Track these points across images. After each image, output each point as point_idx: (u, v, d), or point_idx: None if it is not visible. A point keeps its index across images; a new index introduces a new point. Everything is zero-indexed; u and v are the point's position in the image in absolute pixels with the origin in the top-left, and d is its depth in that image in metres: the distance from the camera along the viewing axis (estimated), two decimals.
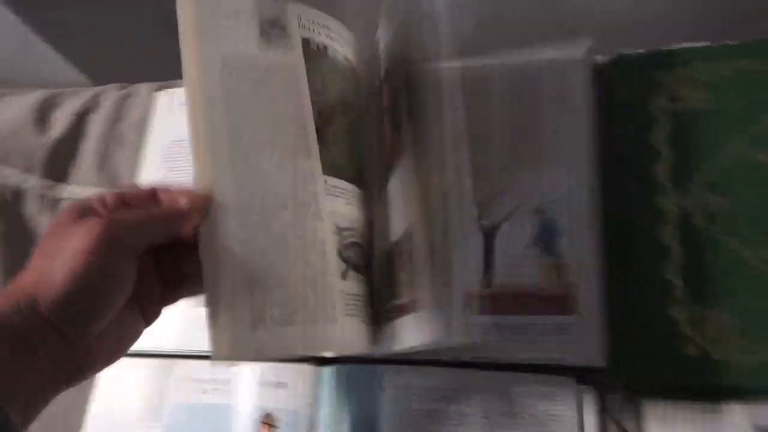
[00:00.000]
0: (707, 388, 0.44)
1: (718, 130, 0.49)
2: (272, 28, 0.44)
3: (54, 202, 0.65)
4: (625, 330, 0.46)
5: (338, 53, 0.47)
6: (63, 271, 0.34)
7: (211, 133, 0.41)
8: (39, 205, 0.65)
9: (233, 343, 0.39)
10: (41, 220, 0.65)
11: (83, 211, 0.37)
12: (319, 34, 0.46)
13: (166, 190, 0.41)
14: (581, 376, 0.47)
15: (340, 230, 0.43)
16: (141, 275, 0.37)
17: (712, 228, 0.47)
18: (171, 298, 0.42)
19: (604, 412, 0.46)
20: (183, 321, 0.55)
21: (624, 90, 0.52)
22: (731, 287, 0.45)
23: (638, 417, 0.45)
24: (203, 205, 0.40)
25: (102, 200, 0.39)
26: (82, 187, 0.66)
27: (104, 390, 0.56)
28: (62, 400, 0.37)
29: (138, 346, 0.55)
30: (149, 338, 0.54)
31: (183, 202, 0.39)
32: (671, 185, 0.48)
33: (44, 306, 0.34)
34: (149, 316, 0.41)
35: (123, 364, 0.54)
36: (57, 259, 0.34)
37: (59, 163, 0.67)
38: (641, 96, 0.51)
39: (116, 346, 0.39)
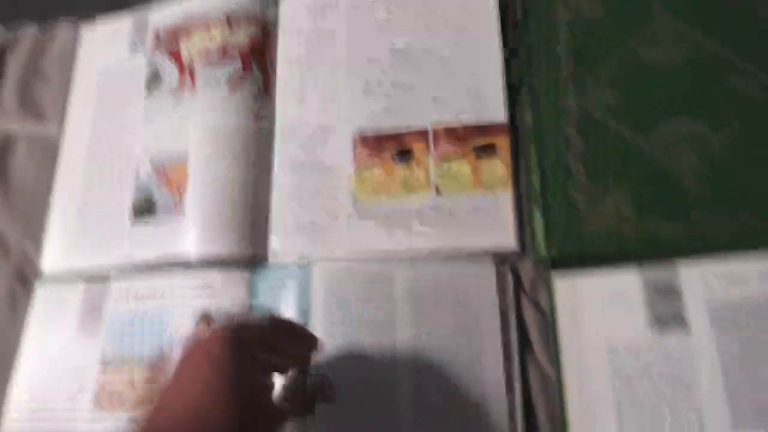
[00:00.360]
0: (606, 258, 0.49)
1: (610, 36, 0.54)
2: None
3: None
4: (534, 213, 0.51)
5: None
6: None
7: None
8: None
9: None
10: None
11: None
12: None
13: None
14: (496, 256, 0.51)
15: None
16: None
17: (607, 120, 0.52)
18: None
19: (519, 289, 0.51)
20: (124, 239, 0.56)
21: (531, 3, 0.57)
22: (625, 170, 0.50)
23: (549, 290, 0.50)
24: None
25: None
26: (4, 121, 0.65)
27: (42, 309, 0.56)
28: None
29: (78, 264, 0.56)
30: (90, 257, 0.56)
31: None
32: (572, 86, 0.54)
33: None
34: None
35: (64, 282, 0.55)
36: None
37: None
38: (544, 8, 0.56)
39: None
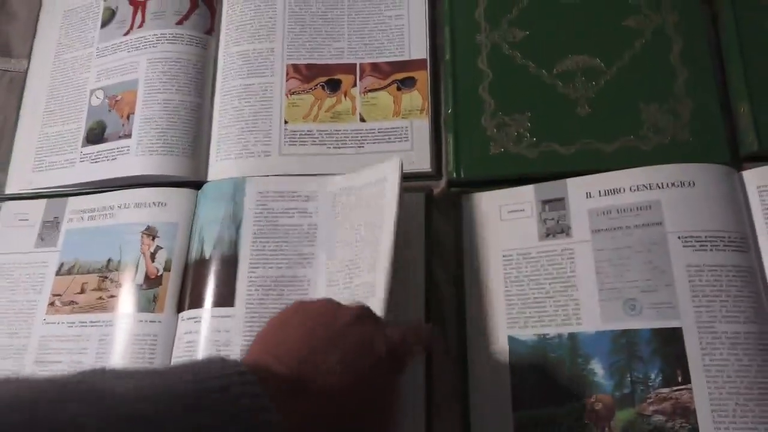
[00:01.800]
0: (507, 177, 0.54)
1: None
2: None
3: None
4: (448, 139, 0.57)
5: None
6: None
7: None
8: None
9: None
10: None
11: None
12: None
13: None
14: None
15: None
16: None
17: (514, 55, 0.57)
18: None
19: (431, 206, 0.56)
20: (78, 162, 0.61)
21: None
22: (528, 100, 0.56)
23: (457, 208, 0.55)
24: None
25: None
26: None
27: (6, 226, 0.62)
28: None
29: (38, 184, 0.62)
30: (49, 178, 0.61)
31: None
32: (486, 25, 0.59)
33: None
34: None
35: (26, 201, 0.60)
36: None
37: None
38: None
39: None
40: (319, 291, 0.52)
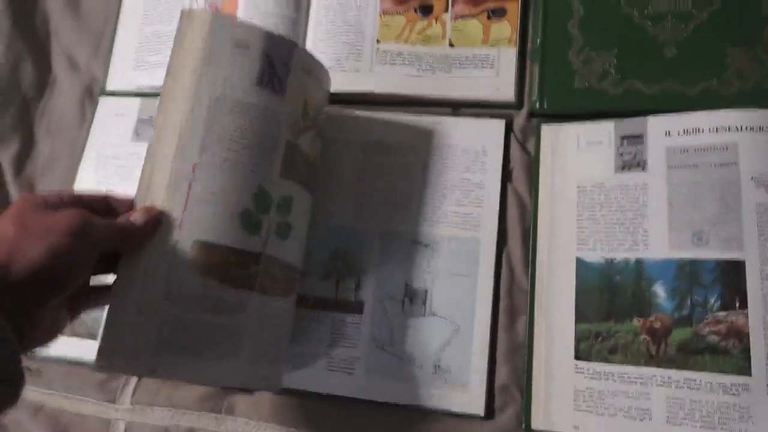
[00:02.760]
0: (589, 113, 0.57)
1: None
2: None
3: None
4: (533, 70, 0.59)
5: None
6: (43, 246, 0.36)
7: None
8: None
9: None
10: None
11: (49, 203, 0.40)
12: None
13: (118, 201, 0.44)
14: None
15: None
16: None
17: None
18: (93, 304, 0.45)
19: (509, 133, 0.59)
20: None
21: None
22: (616, 37, 0.58)
23: (537, 137, 0.58)
24: (156, 224, 0.44)
25: (61, 197, 0.41)
26: None
27: (104, 119, 0.66)
28: None
29: (136, 83, 0.64)
30: (146, 77, 0.63)
31: (140, 221, 0.43)
32: None
33: (16, 274, 0.35)
34: (73, 314, 0.43)
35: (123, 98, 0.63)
36: (35, 236, 0.37)
37: None
38: None
39: (46, 334, 0.41)
40: None
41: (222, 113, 0.46)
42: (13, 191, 0.66)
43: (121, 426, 0.55)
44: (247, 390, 0.54)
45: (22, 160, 0.67)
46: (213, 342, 0.45)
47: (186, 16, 0.48)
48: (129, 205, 0.45)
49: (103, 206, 0.44)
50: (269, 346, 0.49)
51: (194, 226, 0.44)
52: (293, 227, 0.50)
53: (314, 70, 0.53)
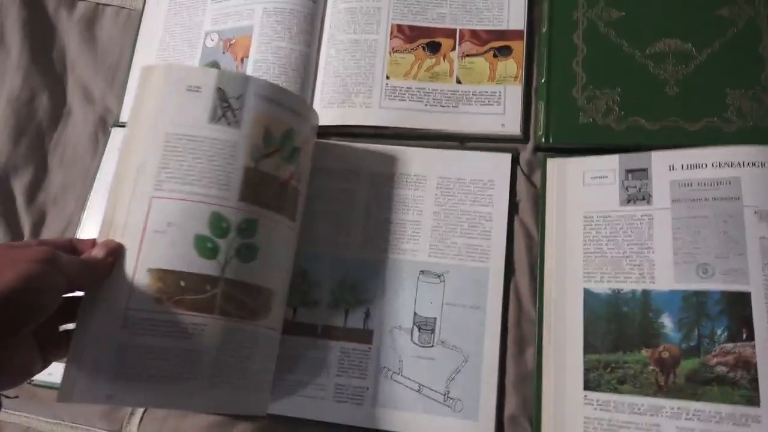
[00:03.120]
0: (594, 146, 0.59)
1: None
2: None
3: None
4: (539, 106, 0.61)
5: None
6: (13, 272, 0.38)
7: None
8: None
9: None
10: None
11: (15, 245, 0.42)
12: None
13: (81, 241, 0.48)
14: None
15: None
16: (48, 318, 0.41)
17: (609, 33, 0.61)
18: (65, 350, 0.45)
19: (516, 167, 0.61)
20: None
21: None
22: (619, 76, 0.60)
23: (543, 170, 0.60)
24: (115, 256, 0.46)
25: (27, 243, 0.45)
26: None
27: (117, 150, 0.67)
28: None
29: None
30: None
31: (100, 255, 0.45)
32: (584, 2, 0.63)
33: None
34: (46, 358, 0.45)
35: None
36: (5, 265, 0.38)
37: None
38: None
39: (18, 372, 0.42)
40: None
41: (176, 150, 0.49)
42: (25, 219, 0.67)
43: None
44: (254, 418, 0.54)
45: (34, 189, 0.68)
46: (169, 366, 0.46)
47: (145, 70, 0.53)
48: (92, 245, 0.47)
49: (68, 248, 0.46)
50: (237, 370, 0.48)
51: (150, 256, 0.47)
52: (260, 249, 0.51)
53: (277, 97, 0.54)
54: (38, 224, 0.67)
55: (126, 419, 0.56)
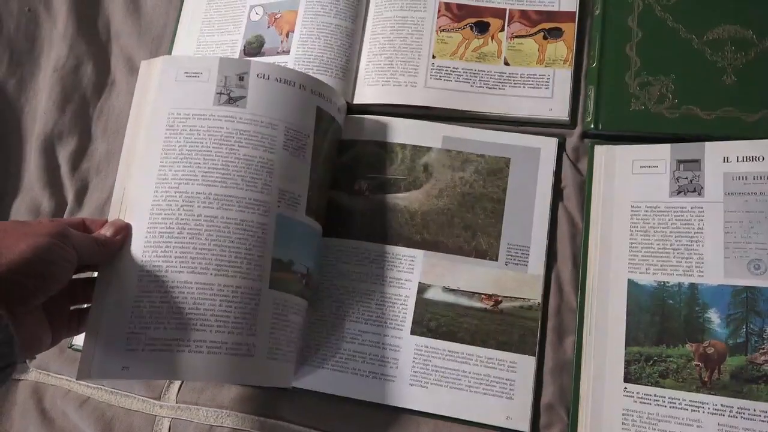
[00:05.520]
0: (644, 135, 0.57)
1: None
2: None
3: None
4: (589, 91, 0.59)
5: None
6: (26, 244, 0.39)
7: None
8: None
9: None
10: None
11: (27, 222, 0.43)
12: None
13: (93, 221, 0.49)
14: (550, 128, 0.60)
15: None
16: (59, 296, 0.43)
17: (666, 17, 0.59)
18: (75, 327, 0.47)
19: (562, 152, 0.59)
20: None
21: None
22: (674, 62, 0.58)
23: (590, 157, 0.58)
24: (125, 234, 0.48)
25: (39, 221, 0.45)
26: None
27: None
28: None
29: None
30: None
31: (110, 232, 0.47)
32: None
33: (2, 265, 0.38)
34: (55, 334, 0.45)
35: None
36: (17, 236, 0.39)
37: None
38: None
39: (27, 345, 0.43)
40: None
41: (176, 132, 0.50)
42: (68, 188, 0.68)
43: (166, 423, 0.55)
44: (285, 390, 0.54)
45: (78, 158, 0.69)
46: (182, 336, 0.46)
47: (145, 64, 0.54)
48: (102, 225, 0.48)
49: (81, 228, 0.48)
50: (251, 337, 0.48)
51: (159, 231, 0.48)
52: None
53: (284, 76, 0.54)
54: (81, 193, 0.68)
55: (165, 387, 0.57)
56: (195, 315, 0.47)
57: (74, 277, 0.44)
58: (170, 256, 0.48)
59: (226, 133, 0.51)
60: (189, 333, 0.46)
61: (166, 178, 0.50)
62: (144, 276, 0.47)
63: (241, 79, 0.53)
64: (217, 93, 0.52)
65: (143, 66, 0.54)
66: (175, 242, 0.48)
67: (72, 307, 0.48)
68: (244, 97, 0.52)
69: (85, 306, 0.48)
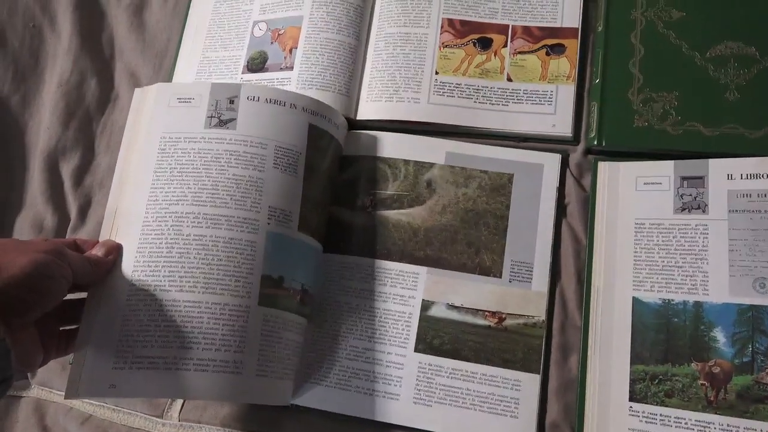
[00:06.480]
0: (648, 151, 0.57)
1: None
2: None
3: None
4: (592, 107, 0.59)
5: None
6: (25, 259, 0.40)
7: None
8: None
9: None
10: None
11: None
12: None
13: (84, 241, 0.50)
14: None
15: None
16: (49, 316, 0.43)
17: (668, 34, 0.59)
18: (65, 347, 0.48)
19: (565, 169, 0.59)
20: None
21: None
22: (677, 78, 0.58)
23: (594, 173, 0.58)
24: (116, 254, 0.49)
25: (36, 240, 0.47)
26: None
27: None
28: None
29: None
30: None
31: (101, 252, 0.48)
32: (643, 1, 0.61)
33: (2, 279, 0.39)
34: (46, 353, 0.46)
35: None
36: (16, 252, 0.41)
37: None
38: None
39: (21, 359, 0.42)
40: None
41: (168, 155, 0.52)
42: (71, 202, 0.68)
43: None
44: (288, 408, 0.54)
45: (81, 173, 0.69)
46: (171, 355, 0.47)
47: (139, 92, 0.56)
48: (93, 245, 0.50)
49: (72, 247, 0.48)
50: (239, 354, 0.48)
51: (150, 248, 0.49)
52: None
53: (274, 97, 0.55)
54: (84, 208, 0.68)
55: (168, 405, 0.56)
56: (182, 333, 0.47)
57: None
58: (159, 275, 0.48)
59: (216, 155, 0.51)
60: (176, 351, 0.47)
61: (157, 199, 0.50)
62: (133, 295, 0.48)
63: (231, 102, 0.54)
64: (208, 116, 0.53)
65: (137, 93, 0.56)
66: (164, 261, 0.48)
67: (61, 328, 0.48)
68: (234, 119, 0.53)
69: (74, 327, 0.48)
